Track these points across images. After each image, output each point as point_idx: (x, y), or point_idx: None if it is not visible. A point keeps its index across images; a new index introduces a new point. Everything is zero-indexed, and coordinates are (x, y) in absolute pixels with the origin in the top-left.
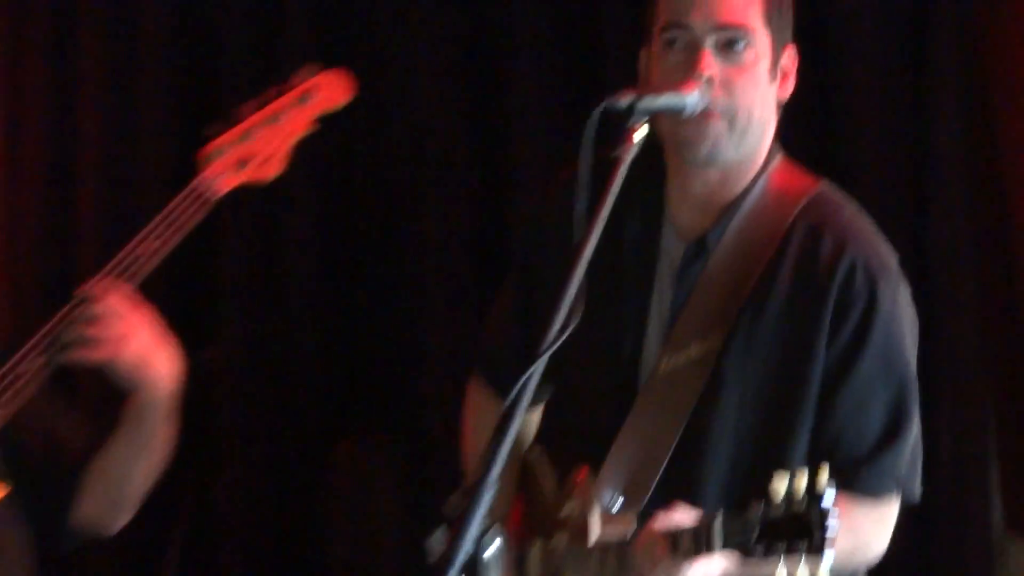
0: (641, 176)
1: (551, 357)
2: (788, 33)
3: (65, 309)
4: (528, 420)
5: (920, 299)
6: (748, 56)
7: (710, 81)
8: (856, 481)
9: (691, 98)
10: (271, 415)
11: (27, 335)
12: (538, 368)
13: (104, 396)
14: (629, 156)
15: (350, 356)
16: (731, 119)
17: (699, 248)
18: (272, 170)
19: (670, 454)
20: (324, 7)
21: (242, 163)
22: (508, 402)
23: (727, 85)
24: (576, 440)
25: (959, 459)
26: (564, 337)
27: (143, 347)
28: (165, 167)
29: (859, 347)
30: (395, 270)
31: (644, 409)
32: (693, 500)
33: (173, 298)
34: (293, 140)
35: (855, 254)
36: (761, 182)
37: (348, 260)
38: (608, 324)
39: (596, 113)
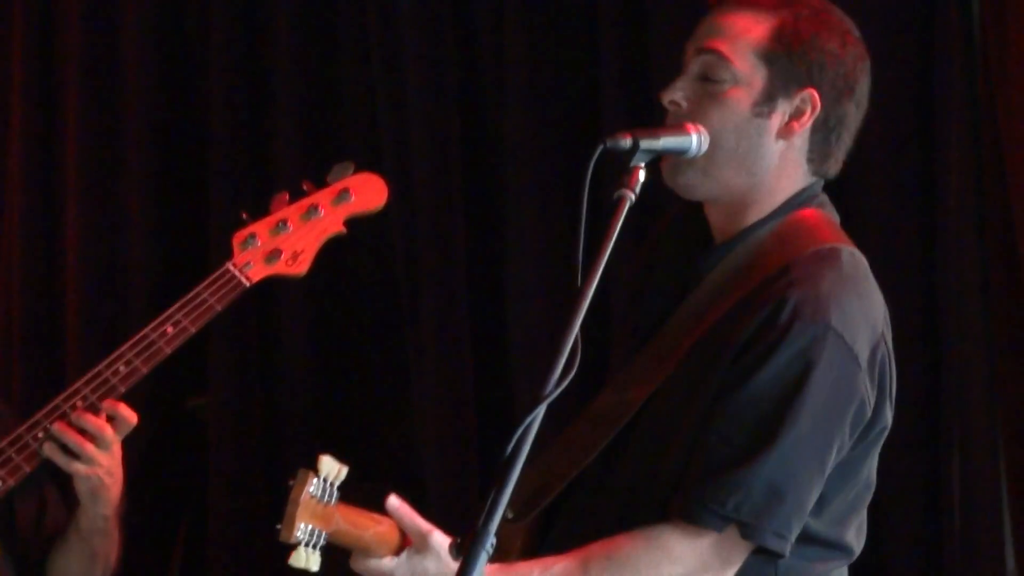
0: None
1: None
2: (805, 77)
3: (81, 383)
4: None
5: (929, 341)
6: (722, 85)
7: (672, 104)
8: (673, 501)
9: (694, 138)
10: (262, 463)
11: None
12: (537, 415)
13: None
14: (633, 196)
15: (341, 405)
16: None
17: (694, 281)
18: (302, 267)
19: (564, 486)
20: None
21: (274, 255)
22: (509, 449)
23: (693, 111)
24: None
25: (970, 509)
26: (564, 385)
27: (106, 473)
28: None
29: (752, 371)
30: (387, 316)
31: (566, 437)
32: (584, 530)
33: None
34: (325, 238)
35: (797, 296)
36: (767, 227)
37: (340, 307)
38: None
39: (596, 153)
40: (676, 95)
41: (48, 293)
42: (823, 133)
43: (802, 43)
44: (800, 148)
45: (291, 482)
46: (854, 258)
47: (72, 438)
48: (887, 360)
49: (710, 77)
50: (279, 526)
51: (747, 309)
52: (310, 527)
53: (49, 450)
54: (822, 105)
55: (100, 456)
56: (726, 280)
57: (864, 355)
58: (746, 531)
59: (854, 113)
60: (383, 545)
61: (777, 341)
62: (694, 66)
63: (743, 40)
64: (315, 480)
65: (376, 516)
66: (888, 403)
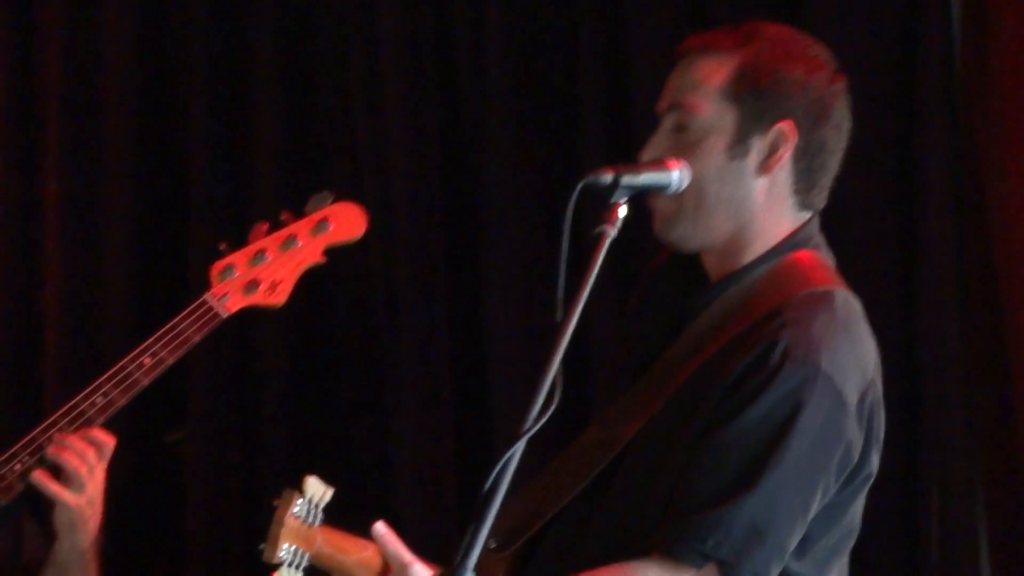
0: None
1: None
2: (776, 111)
3: (58, 415)
4: None
5: (908, 377)
6: (694, 134)
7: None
8: (654, 536)
9: (675, 174)
10: (240, 497)
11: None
12: (516, 452)
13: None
14: (614, 232)
15: (320, 437)
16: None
17: (688, 319)
18: (280, 297)
19: (549, 518)
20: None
21: (252, 285)
22: (487, 485)
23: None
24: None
25: (949, 545)
26: (544, 420)
27: (88, 503)
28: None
29: (740, 410)
30: (366, 348)
31: (552, 469)
32: (567, 563)
33: None
34: (303, 268)
35: (788, 337)
36: (762, 267)
37: (319, 338)
38: None
39: (576, 189)
40: (653, 153)
41: (26, 324)
42: (805, 162)
43: (766, 78)
44: (785, 181)
45: (276, 502)
46: (848, 302)
47: (68, 458)
48: (876, 407)
49: (682, 129)
50: (262, 546)
51: (738, 348)
52: (293, 548)
53: (39, 476)
54: (799, 134)
55: (88, 482)
56: (719, 319)
57: (853, 400)
58: (725, 570)
59: (835, 137)
60: (365, 571)
61: (766, 381)
62: (667, 122)
63: (706, 86)
64: (300, 501)
65: (361, 541)
66: (875, 449)
